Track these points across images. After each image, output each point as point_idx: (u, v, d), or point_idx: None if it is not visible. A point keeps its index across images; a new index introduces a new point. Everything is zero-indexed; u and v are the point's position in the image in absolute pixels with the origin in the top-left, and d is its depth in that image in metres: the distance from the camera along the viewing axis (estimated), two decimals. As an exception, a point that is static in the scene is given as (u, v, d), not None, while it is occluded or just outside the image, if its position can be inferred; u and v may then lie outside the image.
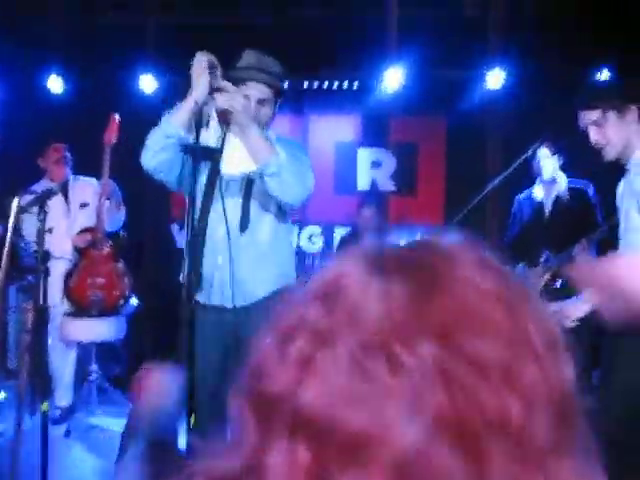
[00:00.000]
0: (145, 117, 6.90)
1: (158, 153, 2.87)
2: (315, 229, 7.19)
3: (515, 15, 5.21)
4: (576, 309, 2.69)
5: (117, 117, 4.98)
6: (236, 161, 2.92)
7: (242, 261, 2.94)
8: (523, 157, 3.51)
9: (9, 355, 6.12)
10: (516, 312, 0.64)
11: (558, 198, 4.99)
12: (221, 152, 2.83)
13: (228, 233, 2.84)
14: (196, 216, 2.69)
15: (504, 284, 0.66)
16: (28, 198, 3.55)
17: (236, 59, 3.06)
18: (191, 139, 2.75)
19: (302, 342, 0.62)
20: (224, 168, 2.90)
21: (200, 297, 2.91)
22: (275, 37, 6.18)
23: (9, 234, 2.87)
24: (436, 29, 5.64)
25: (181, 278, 2.88)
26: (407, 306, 0.62)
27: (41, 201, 3.14)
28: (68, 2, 5.59)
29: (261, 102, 2.97)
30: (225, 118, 2.75)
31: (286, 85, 3.14)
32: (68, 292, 4.82)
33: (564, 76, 6.21)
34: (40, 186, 4.99)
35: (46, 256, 3.20)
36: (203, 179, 2.90)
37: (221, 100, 2.75)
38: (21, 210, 3.12)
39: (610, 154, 2.88)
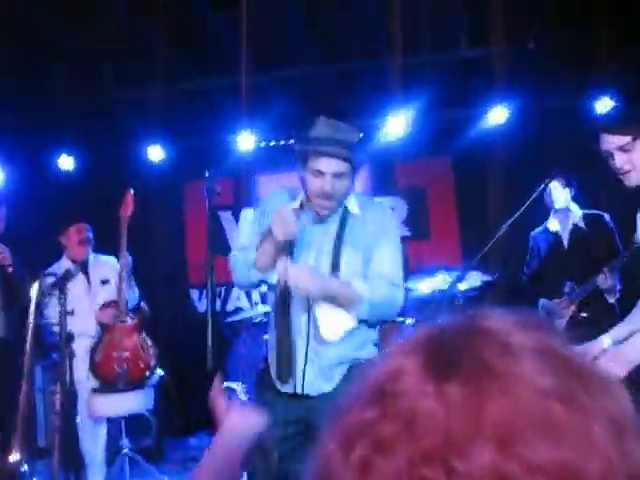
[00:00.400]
0: (155, 186, 7.11)
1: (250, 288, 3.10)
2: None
3: (514, 52, 5.27)
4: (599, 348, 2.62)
5: (132, 192, 5.04)
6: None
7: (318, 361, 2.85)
8: (536, 193, 3.45)
9: (38, 434, 6.11)
10: (578, 408, 0.61)
11: (575, 227, 4.96)
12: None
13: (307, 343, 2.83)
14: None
15: (566, 377, 0.63)
16: (48, 280, 3.60)
17: (308, 127, 2.82)
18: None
19: (362, 449, 0.63)
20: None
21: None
22: (275, 93, 6.32)
23: (31, 317, 2.89)
24: (435, 72, 5.71)
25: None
26: (464, 410, 0.61)
27: (61, 284, 3.16)
28: (70, 82, 5.69)
29: (338, 176, 2.77)
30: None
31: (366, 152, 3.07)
32: (94, 368, 4.81)
33: (565, 108, 6.29)
34: (60, 266, 5.05)
35: (70, 338, 3.22)
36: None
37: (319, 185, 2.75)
38: (42, 294, 3.15)
39: (634, 180, 2.76)
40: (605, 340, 2.83)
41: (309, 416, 2.76)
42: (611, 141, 2.73)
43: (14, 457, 3.17)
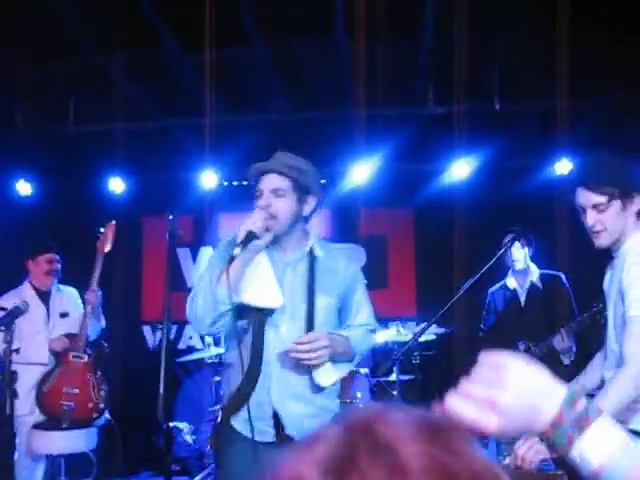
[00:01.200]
0: (113, 218, 7.02)
1: (216, 322, 2.68)
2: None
3: (478, 109, 5.38)
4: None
5: (113, 224, 4.91)
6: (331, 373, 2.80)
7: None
8: (500, 253, 3.47)
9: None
10: None
11: (532, 285, 5.01)
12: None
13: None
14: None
15: None
16: (10, 302, 3.51)
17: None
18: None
19: None
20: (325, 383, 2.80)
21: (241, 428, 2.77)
22: (241, 135, 6.32)
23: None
24: (401, 125, 5.79)
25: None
26: None
27: (7, 321, 3.07)
28: (32, 113, 5.65)
29: (275, 192, 2.75)
30: None
31: (318, 183, 2.91)
32: (40, 397, 4.64)
33: (526, 167, 6.43)
34: (21, 292, 4.93)
35: (13, 377, 3.12)
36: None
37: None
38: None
39: (605, 241, 2.71)
40: None
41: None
42: (587, 198, 2.68)
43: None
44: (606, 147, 5.66)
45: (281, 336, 2.75)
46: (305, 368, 2.73)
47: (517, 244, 4.88)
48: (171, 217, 2.99)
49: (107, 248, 4.85)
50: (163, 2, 4.28)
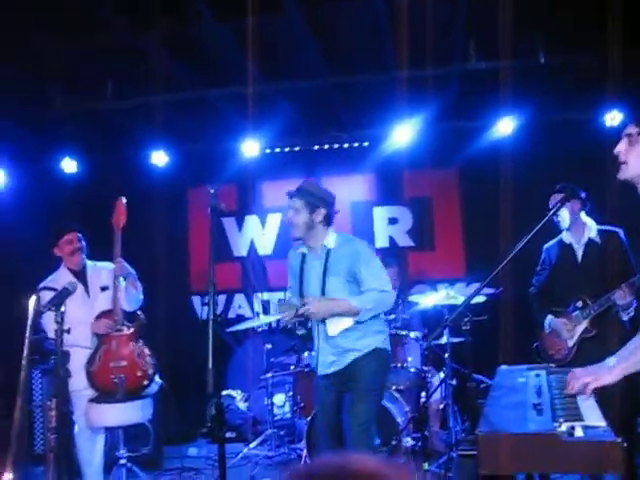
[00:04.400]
0: (158, 191, 7.07)
1: None
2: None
3: (522, 64, 5.21)
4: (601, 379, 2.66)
5: (124, 200, 4.98)
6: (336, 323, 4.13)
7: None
8: (548, 215, 3.39)
9: (35, 441, 6.07)
10: None
11: (590, 241, 4.84)
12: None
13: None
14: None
15: None
16: (46, 296, 3.55)
17: None
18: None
19: None
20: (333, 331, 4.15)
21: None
22: (281, 102, 6.27)
23: (28, 333, 2.84)
24: (442, 84, 5.65)
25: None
26: None
27: (58, 301, 3.10)
28: (73, 93, 5.67)
29: (295, 210, 4.05)
30: None
31: (323, 207, 4.09)
32: (91, 378, 4.73)
33: (573, 122, 6.24)
34: (58, 276, 5.00)
35: (65, 356, 3.16)
36: None
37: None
38: (39, 310, 3.10)
39: (623, 174, 2.75)
40: (612, 362, 2.92)
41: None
42: (627, 128, 2.74)
43: (7, 477, 3.12)
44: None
45: None
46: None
47: (575, 207, 4.76)
48: (212, 191, 3.02)
49: (122, 223, 4.87)
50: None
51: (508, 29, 4.33)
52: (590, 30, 4.71)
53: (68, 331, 3.48)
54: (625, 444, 2.16)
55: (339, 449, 4.02)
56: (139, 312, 5.07)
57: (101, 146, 6.97)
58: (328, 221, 4.12)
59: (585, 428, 2.29)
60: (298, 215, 4.03)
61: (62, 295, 3.23)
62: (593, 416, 2.47)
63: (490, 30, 4.46)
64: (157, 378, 5.05)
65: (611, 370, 2.70)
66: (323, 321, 4.11)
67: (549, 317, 4.88)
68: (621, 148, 2.74)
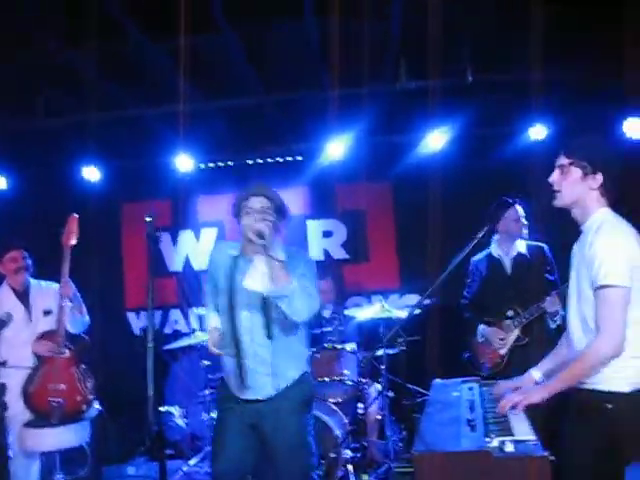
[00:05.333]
0: (91, 207, 6.98)
1: None
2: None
3: (450, 82, 5.38)
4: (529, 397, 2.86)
5: (76, 217, 4.84)
6: (261, 279, 3.50)
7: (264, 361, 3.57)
8: (485, 230, 3.55)
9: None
10: None
11: (519, 255, 5.08)
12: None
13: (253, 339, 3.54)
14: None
15: None
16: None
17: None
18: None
19: None
20: (250, 283, 3.55)
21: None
22: (215, 119, 6.29)
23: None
24: (375, 101, 5.77)
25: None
26: None
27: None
28: (2, 110, 5.57)
29: (263, 212, 3.48)
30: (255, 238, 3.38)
31: (284, 217, 3.63)
32: (27, 399, 4.63)
33: (500, 136, 6.47)
34: (1, 295, 4.90)
35: (2, 390, 3.11)
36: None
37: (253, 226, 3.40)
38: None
39: (559, 201, 3.00)
40: (535, 374, 3.20)
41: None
42: (558, 159, 3.00)
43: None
44: (577, 113, 5.78)
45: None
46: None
47: (521, 211, 4.97)
48: (149, 219, 2.99)
49: (72, 241, 4.75)
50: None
51: (437, 50, 4.47)
52: (514, 48, 4.90)
53: (4, 364, 3.43)
54: (552, 458, 2.28)
55: None
56: (84, 335, 4.98)
57: (32, 162, 6.84)
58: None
59: (515, 443, 2.41)
60: (268, 216, 3.47)
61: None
62: (523, 430, 2.60)
63: (420, 51, 4.60)
64: (96, 404, 4.98)
65: (539, 389, 2.87)
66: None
67: (481, 326, 5.07)
68: (554, 178, 2.99)
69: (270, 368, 3.52)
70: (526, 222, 5.06)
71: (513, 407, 2.84)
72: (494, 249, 5.17)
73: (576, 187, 2.93)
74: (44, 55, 4.54)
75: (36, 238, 5.38)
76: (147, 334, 2.74)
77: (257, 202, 3.52)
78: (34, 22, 4.25)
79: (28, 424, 4.66)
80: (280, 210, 3.58)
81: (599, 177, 2.90)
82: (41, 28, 4.30)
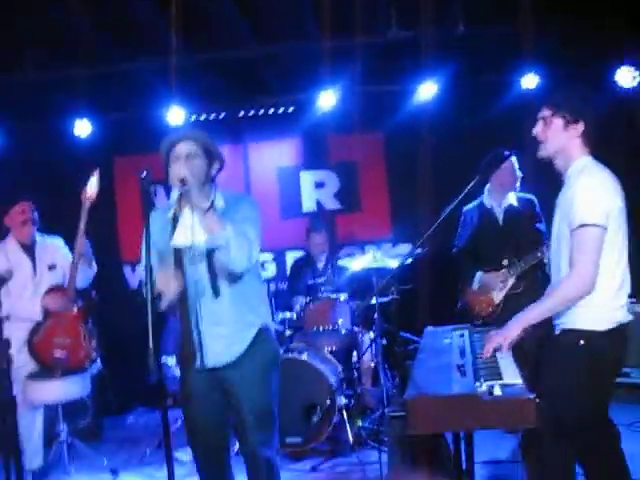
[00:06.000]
0: (83, 161, 6.98)
1: None
2: (267, 256, 7.25)
3: (442, 33, 5.37)
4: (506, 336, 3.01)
5: (97, 173, 4.66)
6: (189, 232, 3.15)
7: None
8: (476, 180, 3.58)
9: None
10: None
11: (511, 206, 5.15)
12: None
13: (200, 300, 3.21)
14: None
15: None
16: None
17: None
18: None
19: None
20: (178, 238, 3.19)
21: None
22: (206, 72, 6.26)
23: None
24: (366, 52, 5.75)
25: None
26: None
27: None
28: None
29: (190, 157, 3.16)
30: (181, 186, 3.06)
31: (218, 160, 3.28)
32: (32, 349, 4.70)
33: (492, 85, 6.46)
34: (5, 248, 4.92)
35: (6, 344, 3.18)
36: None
37: (176, 173, 3.07)
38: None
39: (543, 152, 3.11)
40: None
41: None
42: (541, 111, 3.09)
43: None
44: (569, 61, 5.78)
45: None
46: None
47: (516, 164, 5.02)
48: (143, 176, 2.99)
49: (93, 196, 4.63)
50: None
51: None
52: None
53: (8, 318, 3.49)
54: (537, 400, 2.37)
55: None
56: (92, 291, 5.03)
57: (22, 117, 6.81)
58: (214, 179, 3.31)
59: (503, 387, 2.50)
60: (195, 161, 3.17)
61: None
62: (511, 374, 2.69)
63: (411, 1, 4.58)
64: (98, 360, 5.05)
65: (514, 323, 2.99)
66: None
67: (479, 273, 5.14)
68: (538, 129, 3.09)
69: (224, 329, 3.18)
70: (520, 175, 5.12)
71: (496, 349, 2.96)
72: (486, 199, 5.23)
73: (558, 136, 3.02)
74: (33, 9, 4.49)
75: (29, 193, 5.36)
76: (146, 289, 2.77)
77: (183, 148, 3.18)
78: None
79: (31, 376, 4.76)
80: (211, 153, 3.24)
81: (580, 126, 3.00)
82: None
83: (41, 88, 6.03)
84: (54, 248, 5.01)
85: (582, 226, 2.83)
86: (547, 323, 3.07)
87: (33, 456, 4.97)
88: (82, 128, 7.02)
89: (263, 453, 3.22)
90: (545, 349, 3.07)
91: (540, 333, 3.19)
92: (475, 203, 5.29)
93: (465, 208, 5.31)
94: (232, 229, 3.04)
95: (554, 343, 3.05)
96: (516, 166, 5.09)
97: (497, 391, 2.44)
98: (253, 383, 3.21)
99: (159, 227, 3.23)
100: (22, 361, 4.69)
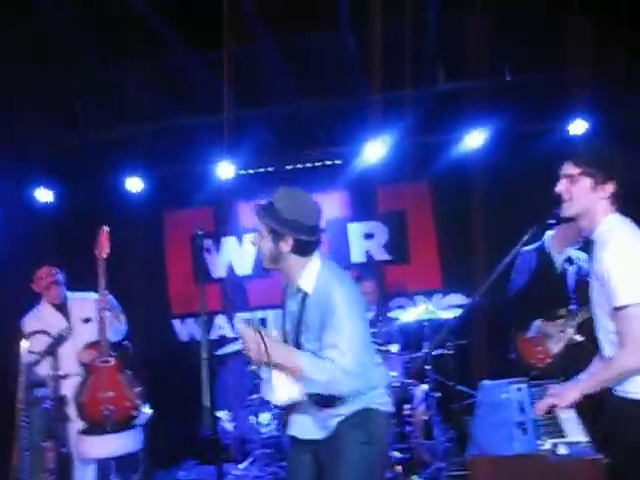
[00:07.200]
0: (134, 217, 7.11)
1: None
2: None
3: (489, 82, 5.39)
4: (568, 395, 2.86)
5: (106, 229, 5.00)
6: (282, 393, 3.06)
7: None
8: (533, 230, 3.47)
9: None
10: None
11: (569, 258, 4.97)
12: None
13: None
14: None
15: None
16: (37, 338, 3.60)
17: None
18: None
19: None
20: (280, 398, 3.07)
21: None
22: (256, 127, 6.37)
23: (22, 377, 2.91)
24: (413, 103, 5.78)
25: None
26: None
27: (52, 350, 3.18)
28: (48, 120, 5.70)
29: (259, 234, 3.07)
30: None
31: (290, 234, 3.02)
32: (80, 409, 4.77)
33: (539, 133, 6.41)
34: (41, 312, 5.10)
35: (64, 401, 3.23)
36: None
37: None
38: (37, 362, 3.17)
39: (567, 211, 2.92)
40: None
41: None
42: (565, 168, 2.90)
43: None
44: (618, 108, 5.73)
45: None
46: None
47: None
48: (199, 232, 3.07)
49: (105, 253, 4.90)
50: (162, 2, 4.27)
51: (475, 51, 4.48)
52: (551, 48, 4.89)
53: (65, 377, 3.54)
54: (606, 460, 2.29)
55: None
56: (125, 342, 5.12)
57: (75, 175, 6.99)
58: (302, 251, 3.05)
59: (568, 445, 2.41)
60: (262, 241, 3.07)
61: (57, 342, 3.29)
62: (575, 431, 2.60)
63: (458, 53, 4.61)
64: (146, 408, 5.10)
65: (572, 389, 2.87)
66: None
67: (537, 321, 4.93)
68: (562, 187, 2.89)
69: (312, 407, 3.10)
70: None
71: (548, 410, 2.85)
72: (547, 243, 5.06)
73: (585, 197, 2.83)
74: (82, 66, 4.63)
75: (81, 251, 5.48)
76: (201, 345, 2.79)
77: (261, 227, 3.08)
78: (75, 36, 4.34)
79: (83, 432, 4.80)
80: (277, 231, 3.00)
81: (609, 186, 2.82)
82: (83, 41, 4.39)
83: (94, 146, 6.19)
84: (87, 302, 5.13)
85: (624, 307, 2.67)
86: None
87: (87, 510, 5.00)
88: (133, 184, 7.18)
89: None
90: (607, 418, 2.90)
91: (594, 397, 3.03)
92: (534, 246, 5.06)
93: (524, 249, 5.10)
94: (315, 363, 2.94)
95: (618, 411, 2.83)
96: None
97: (562, 450, 2.36)
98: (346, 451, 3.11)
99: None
100: (73, 415, 4.74)
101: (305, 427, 3.17)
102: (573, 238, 4.93)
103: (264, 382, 3.06)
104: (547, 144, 6.38)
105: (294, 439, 3.23)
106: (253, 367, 2.95)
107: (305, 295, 3.08)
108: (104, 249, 4.91)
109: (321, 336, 2.98)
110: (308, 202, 3.10)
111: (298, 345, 3.09)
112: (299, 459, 3.20)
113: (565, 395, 2.87)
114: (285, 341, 3.18)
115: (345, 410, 3.07)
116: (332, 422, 3.09)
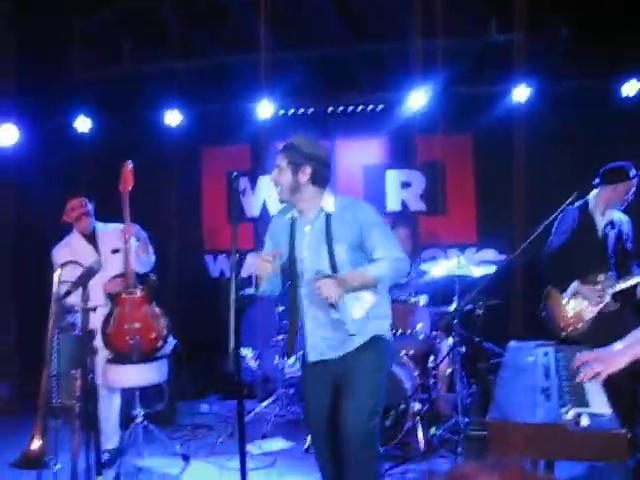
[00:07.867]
0: (172, 151, 7.12)
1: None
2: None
3: (542, 38, 5.20)
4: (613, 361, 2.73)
5: (130, 165, 4.99)
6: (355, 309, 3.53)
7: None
8: (574, 197, 3.37)
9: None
10: None
11: (611, 221, 4.83)
12: None
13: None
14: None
15: None
16: (62, 253, 3.69)
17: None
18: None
19: None
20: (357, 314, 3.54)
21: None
22: (296, 67, 6.27)
23: (53, 308, 2.96)
24: (461, 53, 5.64)
25: None
26: None
27: (84, 282, 3.21)
28: (91, 58, 5.68)
29: (278, 169, 3.48)
30: None
31: (309, 164, 3.42)
32: (106, 340, 4.86)
33: (588, 91, 6.21)
34: (72, 241, 5.20)
35: (92, 335, 3.30)
36: None
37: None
38: (67, 293, 3.22)
39: None
40: (619, 347, 2.98)
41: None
42: None
43: (37, 443, 3.26)
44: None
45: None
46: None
47: (633, 188, 4.76)
48: (234, 175, 3.10)
49: (128, 187, 4.92)
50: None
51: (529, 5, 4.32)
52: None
53: (94, 309, 3.60)
54: (629, 435, 2.25)
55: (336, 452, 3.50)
56: (151, 274, 5.18)
57: (116, 106, 6.98)
58: (319, 181, 3.47)
59: (591, 416, 2.38)
60: (281, 175, 3.46)
61: (88, 274, 3.33)
62: (599, 402, 2.57)
63: (511, 6, 4.45)
64: (171, 338, 5.19)
65: (621, 355, 2.78)
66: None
67: (575, 282, 4.79)
68: None
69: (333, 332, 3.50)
70: (631, 197, 4.82)
71: (593, 377, 2.79)
72: (592, 203, 4.88)
73: None
74: (133, 3, 4.59)
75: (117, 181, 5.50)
76: (230, 285, 2.80)
77: (279, 160, 3.49)
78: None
79: (110, 361, 4.91)
80: (296, 161, 3.42)
81: None
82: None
83: (136, 79, 6.16)
84: (116, 233, 5.17)
85: None
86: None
87: (110, 436, 5.16)
88: (172, 118, 7.15)
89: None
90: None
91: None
92: (579, 204, 4.90)
93: (570, 206, 4.85)
94: (381, 267, 3.42)
95: None
96: (633, 190, 4.78)
97: (584, 421, 2.33)
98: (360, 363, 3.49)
99: (279, 230, 3.60)
100: (99, 344, 4.83)
101: (324, 350, 3.54)
102: (618, 199, 4.81)
103: (339, 311, 3.40)
104: (595, 103, 6.21)
105: (313, 364, 3.58)
106: (333, 304, 3.25)
107: (328, 216, 3.49)
108: (128, 184, 4.93)
109: (359, 242, 3.45)
110: (322, 144, 3.60)
111: (333, 264, 3.44)
112: (317, 379, 3.58)
113: (613, 361, 2.78)
114: (295, 267, 3.54)
115: (361, 338, 3.49)
116: (349, 343, 3.49)
